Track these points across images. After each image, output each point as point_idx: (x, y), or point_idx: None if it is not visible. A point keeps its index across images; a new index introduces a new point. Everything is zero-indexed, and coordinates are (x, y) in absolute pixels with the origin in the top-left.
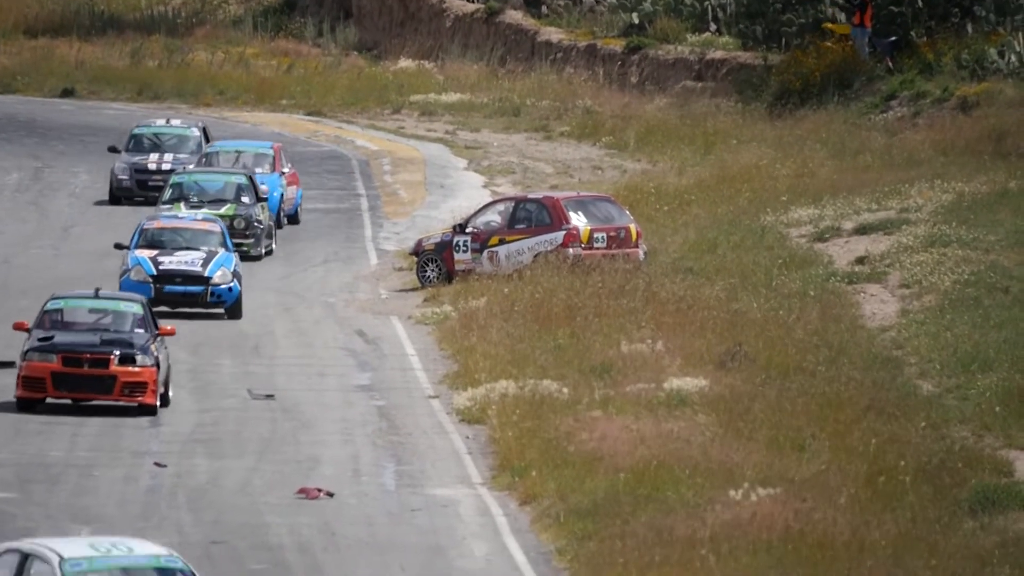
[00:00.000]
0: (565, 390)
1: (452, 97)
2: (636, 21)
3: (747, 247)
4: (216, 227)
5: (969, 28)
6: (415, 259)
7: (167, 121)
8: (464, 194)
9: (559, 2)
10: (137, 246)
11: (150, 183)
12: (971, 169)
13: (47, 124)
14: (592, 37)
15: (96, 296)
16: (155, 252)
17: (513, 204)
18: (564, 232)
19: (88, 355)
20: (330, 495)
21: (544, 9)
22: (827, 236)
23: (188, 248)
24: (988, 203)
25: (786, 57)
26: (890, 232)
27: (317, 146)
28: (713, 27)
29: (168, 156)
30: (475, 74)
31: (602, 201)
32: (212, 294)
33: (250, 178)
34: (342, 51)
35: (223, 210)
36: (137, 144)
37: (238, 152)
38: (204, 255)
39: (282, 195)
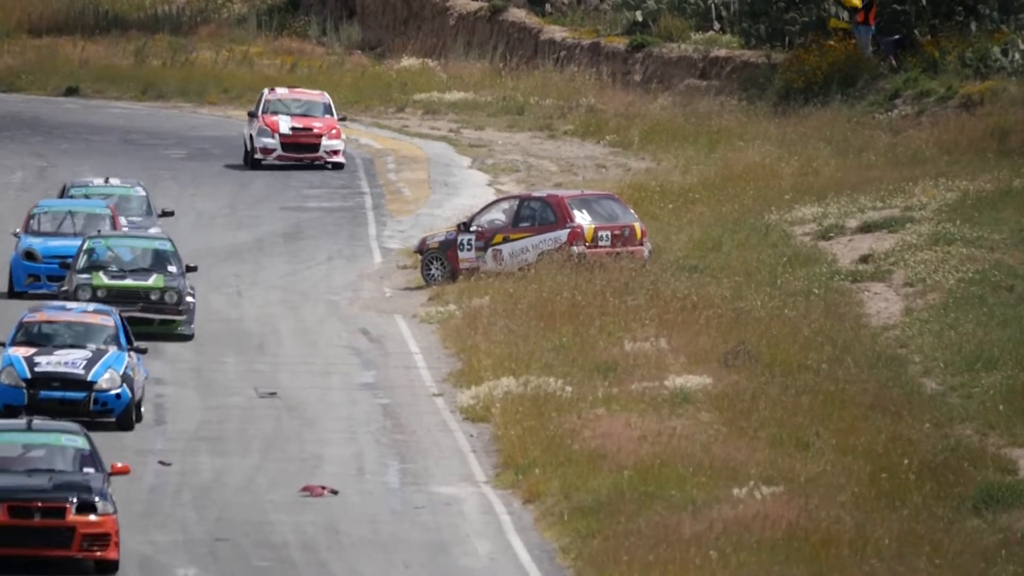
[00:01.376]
0: (569, 388)
1: (456, 95)
2: (640, 19)
3: (751, 245)
4: (110, 320)
5: (973, 26)
6: (419, 257)
7: (105, 180)
8: (468, 192)
9: (563, 0)
10: (13, 342)
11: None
12: (975, 167)
13: (51, 123)
14: (596, 35)
15: (29, 428)
16: (33, 351)
17: (517, 202)
18: (568, 230)
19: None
20: (334, 493)
21: (548, 7)
22: (831, 234)
23: (73, 346)
24: (992, 201)
25: (790, 55)
26: (894, 230)
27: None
28: (717, 25)
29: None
30: (479, 72)
31: (606, 199)
32: (96, 401)
33: (174, 244)
34: (346, 50)
35: (151, 281)
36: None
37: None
38: (90, 354)
39: None
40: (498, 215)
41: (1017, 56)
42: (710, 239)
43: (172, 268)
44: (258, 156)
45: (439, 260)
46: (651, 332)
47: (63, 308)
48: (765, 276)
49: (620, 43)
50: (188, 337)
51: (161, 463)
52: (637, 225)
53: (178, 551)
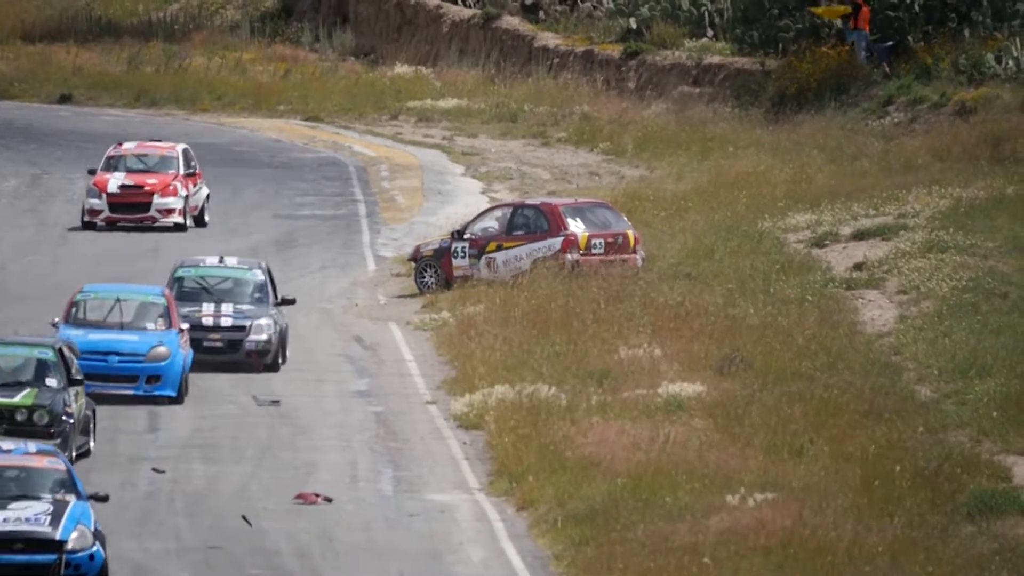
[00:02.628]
0: (563, 396)
1: (449, 103)
2: (633, 26)
3: (745, 253)
4: (60, 464)
5: (966, 33)
6: (413, 265)
7: (220, 260)
8: (462, 200)
9: (556, 7)
10: None
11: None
12: (969, 174)
13: (44, 130)
14: (589, 42)
15: None
16: None
17: (511, 210)
18: (562, 238)
19: None
20: (328, 500)
21: (541, 14)
22: (825, 242)
23: (23, 497)
24: (986, 209)
25: (783, 62)
26: (888, 238)
27: (314, 152)
28: (710, 32)
29: (227, 307)
30: (472, 80)
31: (600, 207)
32: (69, 564)
33: (59, 351)
34: (339, 56)
35: (19, 398)
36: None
37: (118, 300)
38: (50, 507)
39: (183, 358)
40: (492, 223)
41: (1011, 63)
42: (703, 247)
43: (52, 381)
44: (86, 219)
45: (433, 268)
46: (645, 340)
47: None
48: (759, 283)
49: (613, 50)
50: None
51: (154, 470)
52: (630, 233)
53: (171, 559)
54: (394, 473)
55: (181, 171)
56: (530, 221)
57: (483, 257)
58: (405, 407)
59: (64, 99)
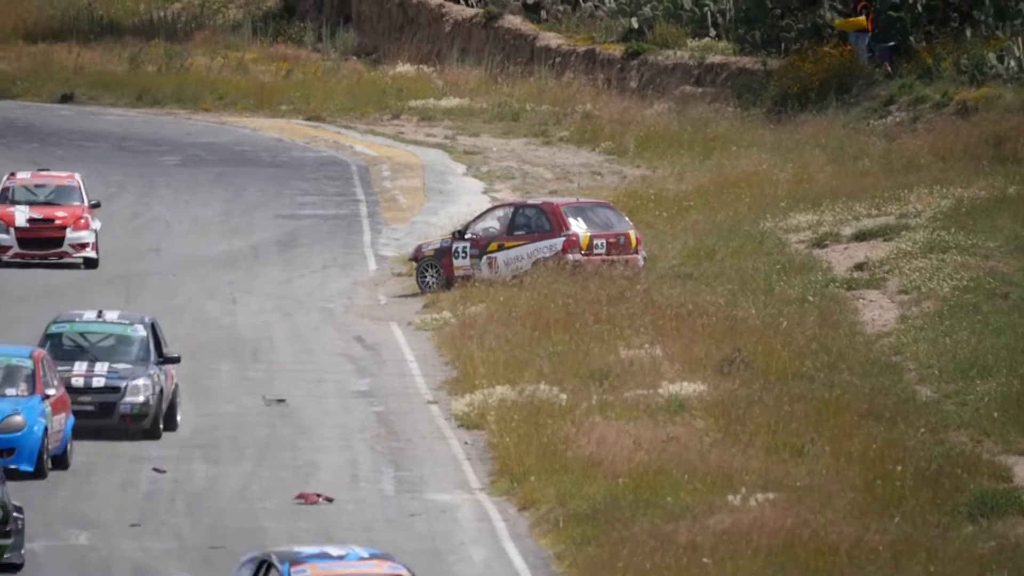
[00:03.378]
0: (564, 396)
1: (451, 102)
2: (635, 26)
3: (746, 253)
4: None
5: (968, 33)
6: (414, 265)
7: (99, 314)
8: (463, 200)
9: (558, 7)
10: None
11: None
12: (970, 174)
13: (46, 129)
14: (591, 42)
15: None
16: None
17: (512, 210)
18: (563, 238)
19: None
20: (329, 500)
21: (543, 14)
22: (826, 242)
23: None
24: (987, 209)
25: (785, 62)
26: (889, 238)
27: (316, 151)
28: (712, 32)
29: (101, 367)
30: (474, 79)
31: (601, 207)
32: None
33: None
34: (341, 56)
35: None
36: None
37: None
38: None
39: (46, 429)
40: (493, 223)
41: (1012, 63)
42: (705, 247)
43: None
44: None
45: (434, 268)
46: (646, 340)
47: None
48: (760, 284)
49: (615, 50)
50: (18, 566)
51: (155, 470)
52: (632, 233)
53: (172, 558)
54: (395, 473)
55: (86, 202)
56: (531, 221)
57: (484, 257)
58: (406, 407)
59: (66, 98)
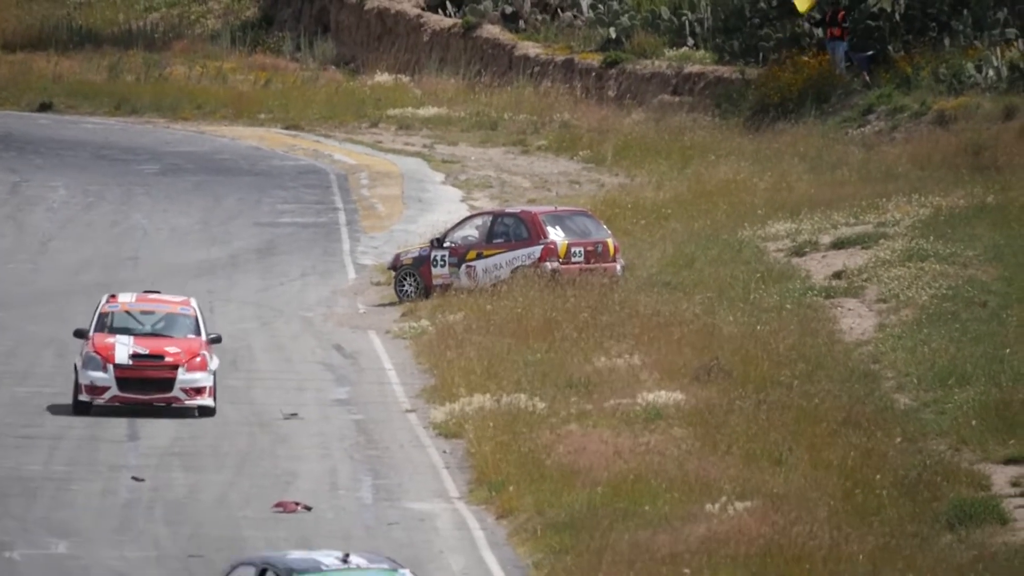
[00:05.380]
0: (542, 404)
1: (429, 111)
2: (613, 36)
3: (724, 261)
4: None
5: (947, 42)
6: (393, 273)
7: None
8: (442, 208)
9: (536, 17)
10: None
11: None
12: (948, 183)
13: (25, 138)
14: (569, 52)
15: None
16: None
17: (491, 218)
18: (542, 247)
19: None
20: (308, 509)
21: (521, 24)
22: (805, 250)
23: None
24: (965, 217)
25: (763, 71)
26: (867, 246)
27: (295, 160)
28: (690, 41)
29: None
30: (452, 88)
31: (579, 215)
32: None
33: None
34: (320, 65)
35: None
36: None
37: None
38: None
39: None
40: (471, 231)
41: (991, 72)
42: (683, 255)
43: None
44: (83, 397)
45: (412, 276)
46: (624, 348)
47: None
48: (738, 292)
49: (594, 59)
50: None
51: (134, 479)
52: (610, 241)
53: (151, 567)
54: (374, 481)
55: (204, 335)
56: (510, 229)
57: (463, 265)
58: (385, 415)
59: (44, 107)
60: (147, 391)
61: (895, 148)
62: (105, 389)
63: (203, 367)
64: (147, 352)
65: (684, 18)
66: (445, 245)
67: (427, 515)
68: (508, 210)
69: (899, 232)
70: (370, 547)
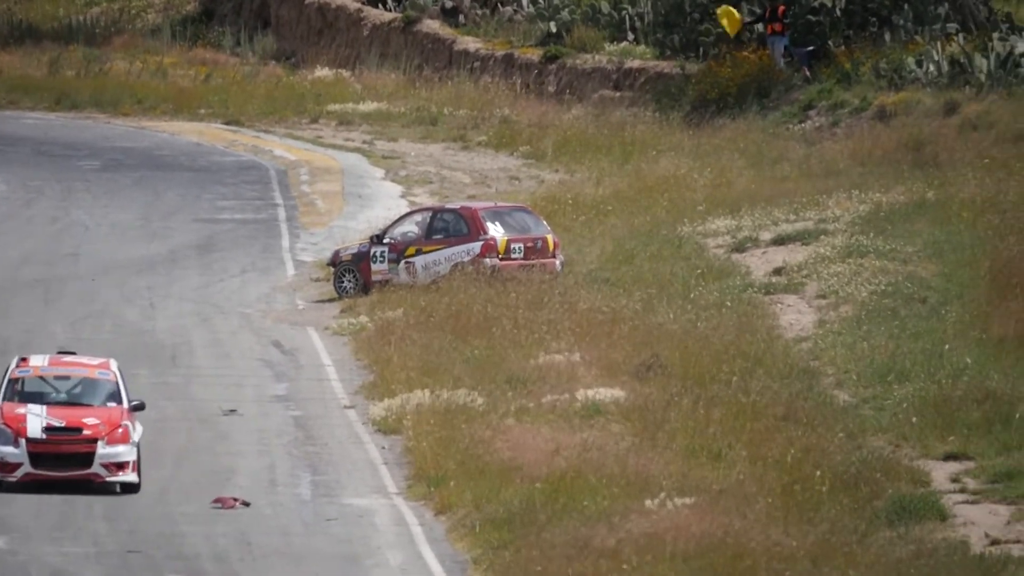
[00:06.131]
0: (481, 400)
1: (370, 106)
2: (553, 30)
3: (664, 257)
4: None
5: (887, 37)
6: (332, 270)
7: None
8: (382, 204)
9: (476, 11)
10: None
11: None
12: (889, 179)
13: None
14: (510, 46)
15: None
16: None
17: (430, 214)
18: (481, 242)
19: None
20: (246, 505)
21: (461, 18)
22: (745, 247)
23: None
24: (906, 213)
25: (703, 67)
26: (807, 243)
27: (235, 156)
28: (630, 36)
29: None
30: (392, 83)
31: (519, 211)
32: None
33: None
34: (260, 60)
35: None
36: None
37: None
38: None
39: None
40: (411, 227)
41: (931, 67)
42: (623, 251)
43: None
44: None
45: (352, 272)
46: (564, 345)
47: None
48: (678, 288)
49: (534, 54)
50: None
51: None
52: (550, 237)
53: (90, 563)
54: (312, 477)
55: (125, 402)
56: (449, 225)
57: (402, 261)
58: (323, 412)
59: None
60: (64, 467)
61: (836, 144)
62: (16, 466)
63: (125, 439)
64: (63, 424)
65: (624, 13)
66: (385, 241)
67: (366, 511)
68: (448, 206)
69: (839, 228)
70: (309, 543)
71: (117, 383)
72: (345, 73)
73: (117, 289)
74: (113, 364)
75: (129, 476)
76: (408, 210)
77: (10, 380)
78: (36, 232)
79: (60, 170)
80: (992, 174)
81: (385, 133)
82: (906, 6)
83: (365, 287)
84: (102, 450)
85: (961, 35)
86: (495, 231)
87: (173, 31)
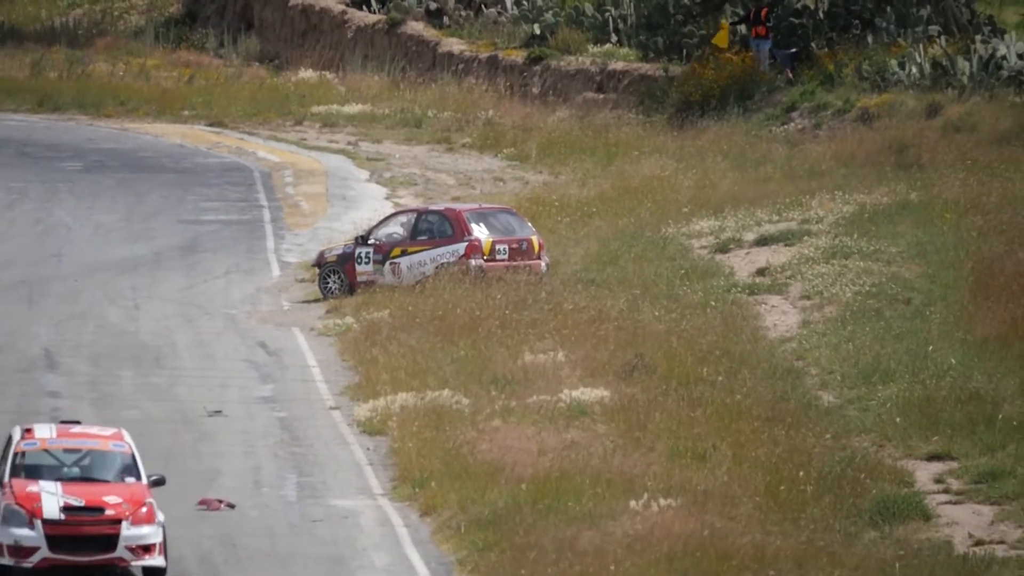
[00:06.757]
0: (466, 401)
1: (354, 108)
2: (537, 32)
3: (649, 258)
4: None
5: (870, 39)
6: (317, 271)
7: None
8: (366, 206)
9: (460, 13)
10: None
11: None
12: (872, 180)
13: None
14: (494, 48)
15: None
16: None
17: (415, 216)
18: (466, 243)
19: None
20: (231, 506)
21: (446, 20)
22: (729, 247)
23: None
24: (889, 214)
25: (687, 69)
26: (791, 243)
27: (219, 157)
28: (614, 38)
29: None
30: (377, 85)
31: (504, 213)
32: None
33: None
34: (244, 62)
35: None
36: None
37: None
38: None
39: None
40: (396, 228)
41: (914, 69)
42: (607, 252)
43: None
44: (4, 561)
45: (337, 273)
46: (549, 345)
47: None
48: (662, 289)
49: (518, 56)
50: None
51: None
52: (535, 238)
53: None
54: (298, 479)
55: (144, 477)
56: (434, 226)
57: (387, 263)
58: (309, 413)
59: None
60: (85, 551)
61: (819, 145)
62: (32, 551)
63: (150, 519)
64: (82, 503)
65: (607, 15)
66: (369, 242)
67: (351, 512)
68: (432, 207)
69: (823, 229)
70: (294, 545)
71: (133, 455)
72: (329, 75)
73: (101, 290)
74: (126, 435)
75: (156, 560)
76: (393, 211)
77: (15, 453)
78: (19, 233)
79: (43, 171)
80: (975, 175)
81: (369, 135)
82: (889, 9)
83: (350, 288)
84: (127, 532)
85: (944, 37)
86: (480, 232)
87: (156, 33)
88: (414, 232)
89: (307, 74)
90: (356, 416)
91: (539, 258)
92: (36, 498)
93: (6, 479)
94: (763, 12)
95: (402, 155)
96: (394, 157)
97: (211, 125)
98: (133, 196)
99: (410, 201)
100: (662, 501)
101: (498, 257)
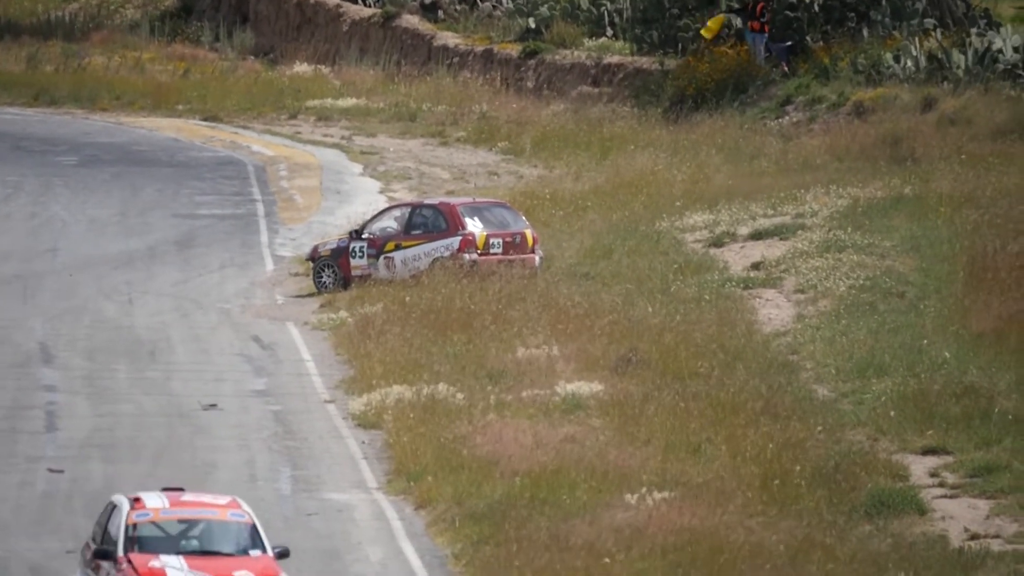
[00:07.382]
0: (461, 395)
1: (348, 102)
2: (533, 26)
3: (643, 253)
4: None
5: (865, 33)
6: (311, 265)
7: None
8: (360, 200)
9: (455, 7)
10: None
11: None
12: (866, 174)
13: None
14: (489, 42)
15: None
16: None
17: (409, 210)
18: (460, 238)
19: None
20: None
21: (440, 14)
22: (723, 241)
23: None
24: (883, 208)
25: (681, 62)
26: (785, 237)
27: (213, 151)
28: (609, 32)
29: None
30: (371, 79)
31: (498, 207)
32: None
33: None
34: (238, 56)
35: None
36: None
37: None
38: None
39: None
40: (390, 222)
41: (909, 63)
42: (602, 246)
43: None
44: None
45: (331, 267)
46: (543, 339)
47: None
48: (657, 283)
49: (513, 49)
50: None
51: (51, 470)
52: (529, 232)
53: (70, 558)
54: (292, 472)
55: (268, 548)
56: (428, 221)
57: (381, 257)
58: (303, 406)
59: None
60: None
61: (813, 139)
62: None
63: None
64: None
65: (603, 8)
66: (364, 236)
67: (345, 506)
68: (427, 201)
69: (817, 223)
70: (289, 538)
71: (255, 525)
72: (324, 69)
73: (95, 284)
74: (243, 503)
75: None
76: (387, 205)
77: (127, 525)
78: (14, 228)
79: (38, 166)
80: (969, 169)
81: (364, 129)
82: (884, 2)
83: (344, 282)
84: None
85: (939, 31)
86: (474, 226)
87: (151, 27)
88: (408, 226)
89: (302, 68)
90: (351, 410)
91: (533, 252)
92: (161, 574)
93: (120, 553)
94: (759, 7)
95: (396, 149)
96: (388, 151)
97: (206, 119)
98: (128, 190)
99: (404, 195)
100: (656, 495)
101: (492, 251)
